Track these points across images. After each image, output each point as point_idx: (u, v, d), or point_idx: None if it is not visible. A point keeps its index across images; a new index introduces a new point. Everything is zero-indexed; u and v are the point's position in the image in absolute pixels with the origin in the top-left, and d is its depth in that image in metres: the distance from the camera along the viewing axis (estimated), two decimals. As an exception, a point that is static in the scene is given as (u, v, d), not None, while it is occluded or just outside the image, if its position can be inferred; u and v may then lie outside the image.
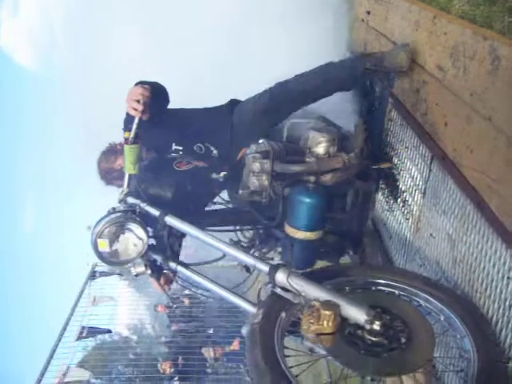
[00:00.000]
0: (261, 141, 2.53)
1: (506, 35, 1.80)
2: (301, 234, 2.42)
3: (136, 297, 7.80)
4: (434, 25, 2.28)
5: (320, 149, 2.51)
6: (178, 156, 2.81)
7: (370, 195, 3.02)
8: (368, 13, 3.38)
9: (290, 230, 2.45)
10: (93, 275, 6.83)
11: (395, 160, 2.83)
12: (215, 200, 2.90)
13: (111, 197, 2.77)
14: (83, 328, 6.37)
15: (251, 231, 2.84)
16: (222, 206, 2.89)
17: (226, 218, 2.81)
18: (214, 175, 2.61)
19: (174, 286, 2.63)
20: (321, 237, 2.50)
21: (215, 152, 2.86)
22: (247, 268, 2.32)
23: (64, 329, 6.17)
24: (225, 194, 2.90)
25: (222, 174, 2.61)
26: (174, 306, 7.18)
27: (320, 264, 2.77)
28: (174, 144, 2.83)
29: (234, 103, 3.02)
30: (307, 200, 2.39)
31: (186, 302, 7.32)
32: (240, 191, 2.51)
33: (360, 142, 2.67)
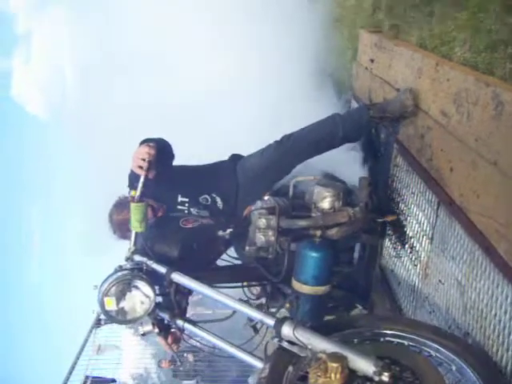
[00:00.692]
0: (266, 197, 2.54)
1: (508, 81, 1.82)
2: (308, 289, 2.38)
3: (142, 345, 7.70)
4: (437, 72, 2.32)
5: (325, 203, 2.50)
6: (184, 214, 2.83)
7: (376, 249, 3.00)
8: (372, 61, 3.44)
9: (297, 285, 2.42)
10: (98, 323, 6.75)
11: (402, 206, 2.82)
12: (222, 257, 2.88)
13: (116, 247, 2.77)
14: (87, 377, 6.25)
15: (259, 288, 2.82)
16: (229, 263, 2.87)
17: (232, 274, 2.79)
18: (221, 232, 2.61)
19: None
20: (328, 291, 2.47)
21: (220, 203, 2.88)
22: (255, 328, 2.30)
23: (67, 378, 6.04)
24: (231, 251, 2.89)
25: (228, 231, 2.61)
26: (179, 362, 7.08)
27: None
28: (179, 196, 2.85)
29: (236, 158, 3.06)
30: (314, 254, 2.36)
31: (190, 358, 7.20)
32: (247, 248, 2.50)
33: (365, 196, 2.67)
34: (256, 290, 2.84)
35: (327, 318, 2.63)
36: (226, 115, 3.87)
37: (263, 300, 2.73)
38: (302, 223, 2.43)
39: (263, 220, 2.42)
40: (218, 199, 2.88)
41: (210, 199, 2.87)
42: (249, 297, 2.77)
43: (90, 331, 6.70)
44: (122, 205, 2.82)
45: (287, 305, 2.57)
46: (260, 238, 2.43)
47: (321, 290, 2.40)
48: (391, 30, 3.28)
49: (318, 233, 2.42)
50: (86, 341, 6.61)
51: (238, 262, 2.85)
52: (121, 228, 2.78)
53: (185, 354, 7.12)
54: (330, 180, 2.90)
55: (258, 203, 2.51)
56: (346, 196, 2.58)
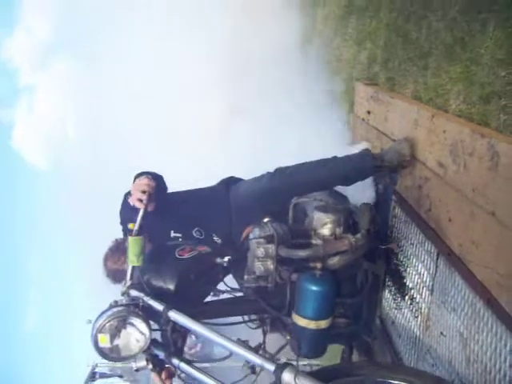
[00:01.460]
0: (266, 219, 2.49)
1: (503, 132, 1.85)
2: (310, 324, 2.32)
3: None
4: (433, 123, 2.35)
5: (325, 230, 2.45)
6: (180, 243, 2.77)
7: (379, 276, 2.92)
8: (368, 112, 3.49)
9: (298, 320, 2.35)
10: (92, 377, 6.57)
11: (401, 257, 2.80)
12: (220, 288, 2.81)
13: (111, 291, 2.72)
14: None
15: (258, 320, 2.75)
16: (227, 295, 2.79)
17: (231, 307, 2.72)
18: (219, 260, 2.55)
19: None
20: (331, 324, 2.41)
21: (217, 238, 2.83)
22: (253, 369, 2.23)
23: None
24: (228, 280, 2.82)
25: (227, 258, 2.55)
26: None
27: (330, 348, 2.65)
28: (172, 232, 2.81)
29: (229, 182, 3.01)
30: (315, 288, 2.31)
31: None
32: (245, 276, 2.44)
33: (367, 223, 2.62)
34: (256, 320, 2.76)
35: (327, 363, 2.57)
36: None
37: (262, 335, 2.64)
38: (302, 254, 2.36)
39: (261, 249, 2.36)
40: (213, 234, 2.84)
41: (203, 232, 2.83)
42: (249, 326, 2.70)
43: (85, 386, 6.53)
44: (117, 251, 2.78)
45: (288, 337, 2.50)
46: (259, 267, 2.36)
47: (323, 323, 2.34)
48: (387, 82, 3.34)
49: (319, 265, 2.36)
50: (79, 396, 6.43)
51: (238, 293, 2.77)
52: (115, 276, 2.73)
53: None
54: (333, 196, 2.85)
55: (256, 231, 2.45)
56: (347, 221, 2.53)
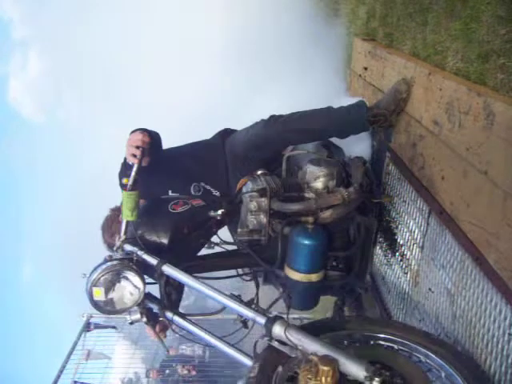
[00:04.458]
0: (259, 172, 2.51)
1: (500, 91, 1.84)
2: (302, 277, 2.33)
3: (132, 350, 7.63)
4: (430, 81, 2.33)
5: (318, 184, 2.45)
6: (174, 197, 2.75)
7: (372, 230, 2.94)
8: (365, 68, 3.45)
9: (290, 273, 2.37)
10: (87, 327, 6.68)
11: (393, 214, 2.82)
12: (214, 241, 2.82)
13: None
14: (75, 383, 6.17)
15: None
16: (220, 248, 2.81)
17: (226, 261, 2.73)
18: (212, 213, 2.55)
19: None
20: (323, 277, 2.44)
21: (216, 192, 2.85)
22: (245, 323, 2.27)
23: (55, 382, 5.95)
24: (222, 233, 2.83)
25: (220, 211, 2.56)
26: (167, 371, 7.04)
27: (323, 299, 2.70)
28: (170, 192, 2.80)
29: (225, 134, 3.00)
30: (307, 242, 2.31)
31: (179, 369, 7.14)
32: (239, 230, 2.44)
33: (359, 177, 2.61)
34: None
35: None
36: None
37: (254, 290, 2.67)
38: (294, 207, 2.37)
39: (254, 203, 2.36)
40: (212, 189, 2.84)
41: (201, 188, 2.82)
42: (242, 278, 2.72)
43: (79, 336, 6.64)
44: (113, 224, 2.73)
45: (281, 289, 2.54)
46: (252, 221, 2.38)
47: (315, 277, 2.36)
48: (385, 38, 3.30)
49: (311, 219, 2.35)
50: (75, 344, 6.54)
51: (231, 246, 2.78)
52: (110, 247, 2.71)
53: (173, 365, 7.08)
54: (328, 148, 2.85)
55: (249, 184, 2.45)
56: (340, 174, 2.52)
